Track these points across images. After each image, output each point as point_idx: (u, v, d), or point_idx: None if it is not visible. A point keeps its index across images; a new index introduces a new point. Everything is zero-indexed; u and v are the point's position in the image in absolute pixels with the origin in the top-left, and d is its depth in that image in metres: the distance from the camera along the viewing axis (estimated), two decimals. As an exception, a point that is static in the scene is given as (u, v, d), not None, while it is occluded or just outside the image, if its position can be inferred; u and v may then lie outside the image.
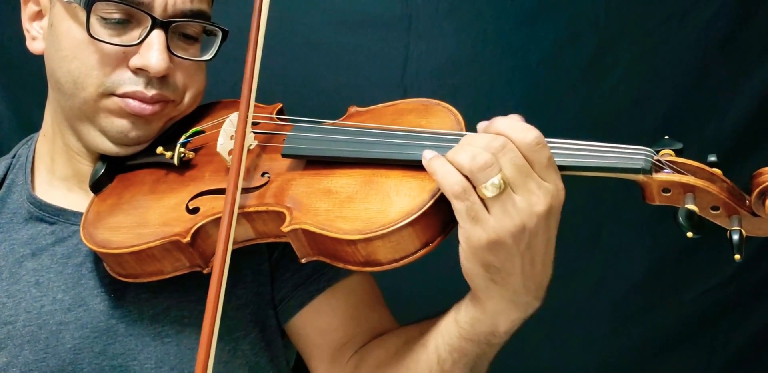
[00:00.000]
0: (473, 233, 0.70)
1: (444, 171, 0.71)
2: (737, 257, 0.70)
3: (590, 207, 1.62)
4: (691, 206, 0.71)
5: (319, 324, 0.99)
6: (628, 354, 1.70)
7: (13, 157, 1.06)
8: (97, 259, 0.94)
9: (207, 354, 0.74)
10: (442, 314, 0.83)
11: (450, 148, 0.73)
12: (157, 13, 0.88)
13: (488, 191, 0.69)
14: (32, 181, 1.02)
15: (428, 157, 0.73)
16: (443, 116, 0.86)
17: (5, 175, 1.04)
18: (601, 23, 1.58)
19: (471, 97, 1.57)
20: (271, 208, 0.82)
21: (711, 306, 1.69)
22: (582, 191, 1.56)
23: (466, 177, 0.70)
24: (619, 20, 1.58)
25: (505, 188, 0.69)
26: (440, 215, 0.75)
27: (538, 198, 0.70)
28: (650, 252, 1.67)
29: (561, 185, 0.72)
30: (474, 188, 0.70)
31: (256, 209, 0.83)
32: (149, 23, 0.87)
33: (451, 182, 0.70)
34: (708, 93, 1.61)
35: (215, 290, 0.76)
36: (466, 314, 0.78)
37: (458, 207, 0.70)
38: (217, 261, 0.78)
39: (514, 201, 0.70)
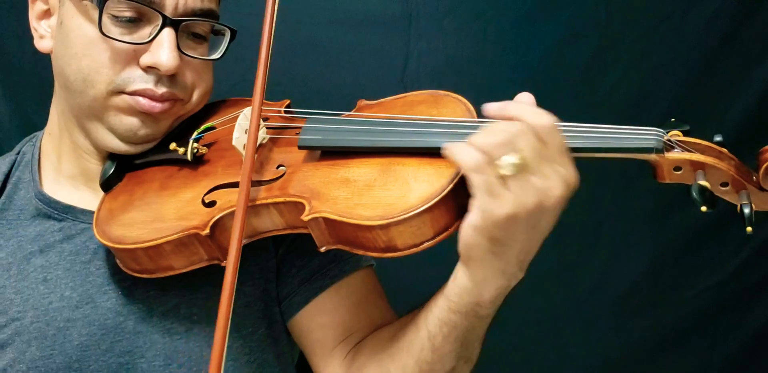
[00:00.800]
0: (489, 206, 0.71)
1: (462, 149, 0.72)
2: (749, 229, 0.74)
3: (590, 205, 1.62)
4: (703, 182, 0.75)
5: (321, 320, 0.99)
6: (628, 352, 1.71)
7: (17, 153, 1.06)
8: (105, 256, 0.95)
9: (222, 345, 0.76)
10: (433, 295, 0.84)
11: (466, 134, 0.74)
12: (168, 11, 0.88)
13: (505, 170, 0.70)
14: (39, 179, 1.02)
15: (446, 145, 0.74)
16: (454, 106, 0.87)
17: (9, 172, 1.04)
18: (602, 22, 1.58)
19: (471, 96, 1.56)
20: (289, 199, 0.83)
21: (711, 304, 1.70)
22: (582, 189, 1.57)
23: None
24: (619, 19, 1.59)
25: (522, 167, 0.70)
26: (458, 200, 0.76)
27: (554, 183, 0.72)
28: (650, 250, 1.68)
29: (574, 170, 0.74)
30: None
31: (274, 200, 0.83)
32: (160, 21, 0.88)
33: (467, 157, 0.71)
34: (708, 92, 1.61)
35: (231, 278, 0.78)
36: (455, 285, 0.79)
37: (475, 180, 0.71)
38: (232, 248, 0.79)
39: (532, 182, 0.71)
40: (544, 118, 0.72)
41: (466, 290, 0.78)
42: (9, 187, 1.02)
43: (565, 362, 1.70)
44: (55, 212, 0.98)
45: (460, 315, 0.80)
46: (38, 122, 1.04)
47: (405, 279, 1.31)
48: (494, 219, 0.71)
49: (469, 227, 0.74)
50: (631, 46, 1.60)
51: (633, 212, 1.65)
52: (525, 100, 0.77)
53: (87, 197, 0.98)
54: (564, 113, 1.59)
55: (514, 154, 0.70)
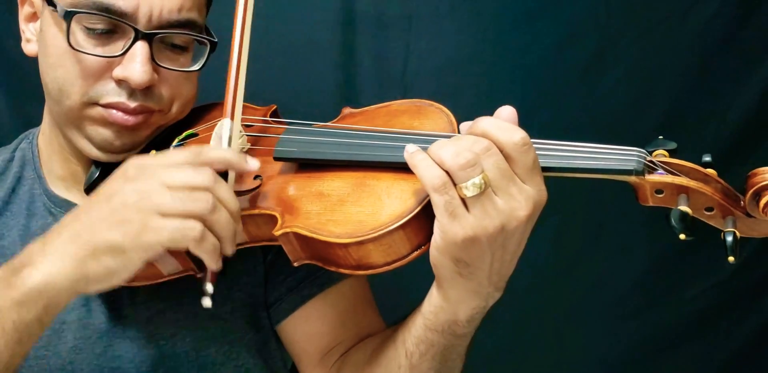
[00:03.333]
0: (450, 227, 0.70)
1: (424, 164, 0.70)
2: (731, 259, 0.70)
3: (590, 207, 1.62)
4: (683, 208, 0.71)
5: (308, 329, 0.99)
6: (628, 352, 1.70)
7: (14, 151, 1.05)
8: None
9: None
10: (411, 312, 0.84)
11: None
12: (141, 24, 0.86)
13: (468, 191, 0.68)
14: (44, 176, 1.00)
15: (410, 150, 0.73)
16: (436, 117, 0.85)
17: (7, 167, 1.02)
18: (602, 23, 1.58)
19: (471, 97, 1.57)
20: (263, 211, 0.82)
21: (711, 305, 1.69)
22: (582, 191, 1.58)
23: (448, 173, 0.69)
24: (619, 20, 1.58)
25: (485, 189, 0.68)
26: (432, 218, 0.74)
27: (520, 203, 0.70)
28: (650, 251, 1.67)
29: (543, 189, 0.72)
30: (454, 185, 0.69)
31: (248, 212, 0.82)
32: (133, 34, 0.86)
33: (430, 175, 0.69)
34: (708, 92, 1.60)
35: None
36: (430, 303, 0.78)
37: (436, 201, 0.70)
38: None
39: (495, 203, 0.69)
40: (516, 134, 0.69)
41: (441, 309, 0.77)
42: (11, 180, 1.00)
43: (564, 363, 1.70)
44: (62, 212, 0.96)
45: (437, 333, 0.79)
46: (38, 122, 1.04)
47: (403, 282, 1.31)
48: (454, 240, 0.70)
49: (433, 247, 0.73)
50: (631, 47, 1.59)
51: (633, 212, 1.64)
52: (504, 114, 0.74)
53: (78, 200, 0.98)
54: (563, 114, 1.60)
55: (478, 176, 0.68)
